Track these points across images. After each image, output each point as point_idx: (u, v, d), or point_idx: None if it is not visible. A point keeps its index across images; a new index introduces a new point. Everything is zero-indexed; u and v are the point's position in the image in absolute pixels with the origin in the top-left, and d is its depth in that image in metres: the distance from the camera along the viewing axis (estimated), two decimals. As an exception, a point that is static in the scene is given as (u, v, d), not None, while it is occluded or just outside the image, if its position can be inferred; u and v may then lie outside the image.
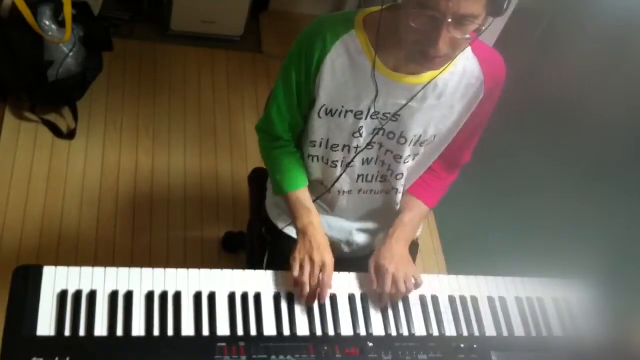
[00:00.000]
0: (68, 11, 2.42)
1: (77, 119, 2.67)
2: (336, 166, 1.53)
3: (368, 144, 1.47)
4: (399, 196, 1.60)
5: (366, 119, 1.42)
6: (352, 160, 1.50)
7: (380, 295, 1.44)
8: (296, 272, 1.42)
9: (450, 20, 1.15)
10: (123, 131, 2.75)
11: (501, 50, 1.44)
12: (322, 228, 1.50)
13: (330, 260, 1.45)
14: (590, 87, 2.82)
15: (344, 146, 1.48)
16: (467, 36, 1.19)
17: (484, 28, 1.20)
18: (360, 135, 1.45)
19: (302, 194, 1.54)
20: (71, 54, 2.50)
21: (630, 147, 2.83)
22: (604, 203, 2.65)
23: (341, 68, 1.36)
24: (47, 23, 2.44)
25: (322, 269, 1.42)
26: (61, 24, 2.45)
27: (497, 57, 1.42)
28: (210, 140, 2.83)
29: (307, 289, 1.40)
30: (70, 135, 2.65)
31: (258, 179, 1.91)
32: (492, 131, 1.65)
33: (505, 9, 1.19)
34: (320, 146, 1.50)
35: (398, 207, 1.62)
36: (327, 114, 1.42)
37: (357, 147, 1.47)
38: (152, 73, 3.00)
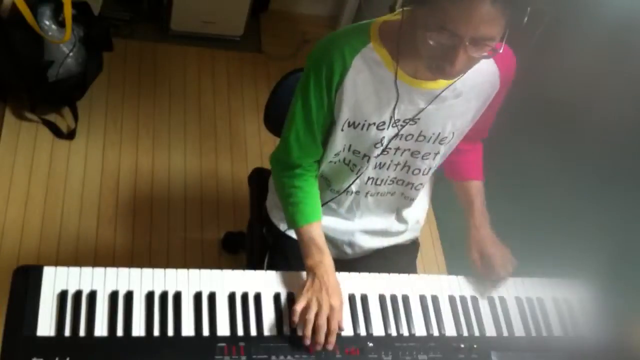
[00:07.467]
0: (68, 11, 2.41)
1: (77, 119, 2.67)
2: (353, 170, 1.52)
3: (383, 150, 1.46)
4: (413, 191, 1.60)
5: (388, 129, 1.41)
6: (367, 167, 1.50)
7: (494, 281, 1.52)
8: (299, 308, 1.34)
9: (468, 43, 1.15)
10: (123, 131, 2.75)
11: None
12: (332, 269, 1.43)
13: (338, 304, 1.37)
14: (590, 87, 2.81)
15: (364, 155, 1.47)
16: (484, 54, 1.20)
17: (501, 49, 1.21)
18: (382, 145, 1.45)
19: (315, 230, 1.47)
20: (71, 54, 2.50)
21: (630, 147, 2.83)
22: (605, 203, 2.65)
23: (362, 82, 1.35)
24: (47, 23, 2.44)
25: (330, 313, 1.35)
26: (61, 24, 2.45)
27: (506, 48, 1.42)
28: (210, 140, 2.83)
29: (310, 329, 1.33)
30: (70, 135, 2.65)
31: (258, 179, 1.91)
32: (492, 131, 1.65)
33: (524, 24, 1.18)
34: (343, 151, 1.48)
35: (414, 201, 1.63)
36: (349, 126, 1.42)
37: (376, 156, 1.47)
38: (152, 73, 3.00)
